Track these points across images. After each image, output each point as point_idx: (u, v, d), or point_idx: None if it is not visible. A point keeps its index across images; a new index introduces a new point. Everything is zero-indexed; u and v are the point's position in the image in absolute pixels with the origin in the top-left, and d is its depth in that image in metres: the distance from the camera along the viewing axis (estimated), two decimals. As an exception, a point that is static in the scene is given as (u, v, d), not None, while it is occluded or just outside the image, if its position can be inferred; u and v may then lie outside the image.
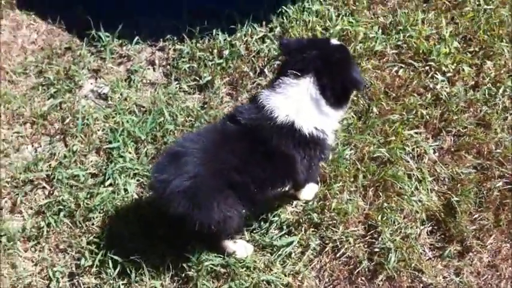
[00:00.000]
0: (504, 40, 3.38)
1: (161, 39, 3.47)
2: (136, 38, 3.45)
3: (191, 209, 2.41)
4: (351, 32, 3.39)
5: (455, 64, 3.33)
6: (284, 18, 3.48)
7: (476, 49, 3.39)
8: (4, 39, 3.51)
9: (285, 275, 2.75)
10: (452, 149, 3.09)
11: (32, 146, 3.15)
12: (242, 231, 2.78)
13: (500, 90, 3.22)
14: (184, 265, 2.73)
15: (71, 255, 2.84)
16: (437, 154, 3.11)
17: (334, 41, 2.64)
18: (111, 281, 2.74)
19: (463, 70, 3.32)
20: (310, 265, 2.82)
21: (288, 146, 2.45)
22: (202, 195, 2.40)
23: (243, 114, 2.50)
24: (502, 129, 3.12)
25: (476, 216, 2.88)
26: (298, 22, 3.40)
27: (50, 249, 2.87)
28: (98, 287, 2.76)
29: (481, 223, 2.86)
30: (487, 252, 2.84)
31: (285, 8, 3.48)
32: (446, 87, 3.25)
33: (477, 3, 3.54)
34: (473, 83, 3.30)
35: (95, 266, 2.76)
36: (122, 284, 2.74)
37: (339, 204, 2.86)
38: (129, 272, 2.72)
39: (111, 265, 2.74)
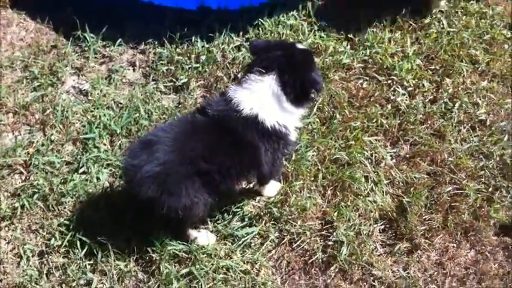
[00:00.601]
0: (464, 60, 3.64)
1: (143, 43, 3.69)
2: (120, 40, 3.67)
3: (160, 193, 2.61)
4: (321, 45, 3.64)
5: (416, 80, 3.59)
6: (260, 29, 3.73)
7: (437, 67, 3.66)
8: (-6, 32, 3.71)
9: (244, 263, 2.92)
10: (408, 156, 3.32)
11: (13, 133, 3.34)
12: (206, 219, 2.97)
13: (457, 105, 3.48)
14: (149, 249, 2.89)
15: (42, 235, 3.00)
16: (394, 160, 3.31)
17: (300, 45, 2.88)
18: (79, 261, 2.90)
19: (423, 85, 3.57)
20: (268, 255, 2.99)
21: (253, 136, 2.67)
22: (170, 181, 2.60)
23: (211, 106, 2.73)
24: (455, 140, 3.36)
25: (426, 217, 3.08)
26: (273, 34, 3.66)
27: (22, 229, 3.02)
28: (66, 266, 2.89)
29: (430, 224, 3.07)
30: (434, 251, 3.04)
31: (261, 20, 3.74)
32: (406, 100, 3.50)
33: (441, 26, 3.81)
34: (431, 97, 3.54)
35: (63, 246, 2.93)
36: (88, 263, 2.90)
37: (298, 201, 3.06)
38: (95, 252, 2.88)
39: (79, 246, 2.91)
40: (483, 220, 3.10)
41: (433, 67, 3.66)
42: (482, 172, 3.27)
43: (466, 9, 3.92)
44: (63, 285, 2.89)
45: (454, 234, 3.09)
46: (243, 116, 2.65)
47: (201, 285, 2.86)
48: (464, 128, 3.42)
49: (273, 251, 3.02)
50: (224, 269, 2.93)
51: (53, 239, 2.96)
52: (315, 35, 3.73)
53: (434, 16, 3.91)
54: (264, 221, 3.07)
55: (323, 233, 3.06)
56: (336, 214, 3.07)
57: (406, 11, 3.85)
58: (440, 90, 3.57)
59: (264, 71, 2.68)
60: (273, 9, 3.82)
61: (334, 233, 3.02)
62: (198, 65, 3.57)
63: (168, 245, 2.90)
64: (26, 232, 3.03)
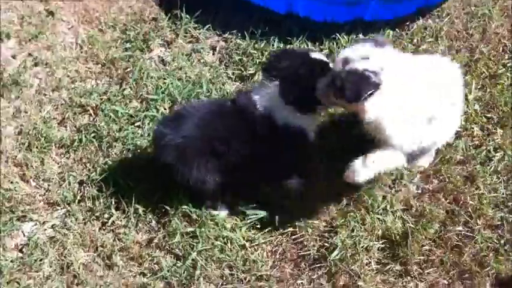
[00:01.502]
0: None
1: (228, 32, 4.12)
2: (209, 25, 4.13)
3: (176, 162, 3.02)
4: None
5: (468, 123, 3.67)
6: (335, 43, 4.02)
7: (494, 116, 3.71)
8: (109, -2, 4.35)
9: (243, 238, 3.24)
10: (432, 190, 3.43)
11: (95, 81, 3.91)
12: (217, 197, 3.30)
13: (499, 155, 3.52)
14: (167, 203, 3.29)
15: (88, 168, 3.52)
16: (419, 191, 3.45)
17: (316, 54, 3.14)
18: (108, 197, 3.37)
19: (473, 129, 3.64)
20: (268, 239, 3.28)
21: (267, 132, 3.00)
22: (188, 153, 3.02)
23: (239, 98, 3.10)
24: (484, 187, 3.41)
25: (426, 247, 3.19)
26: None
27: (73, 159, 3.56)
28: (96, 198, 3.38)
29: (428, 255, 3.18)
30: (424, 282, 3.15)
31: (339, 35, 4.02)
32: (451, 139, 3.59)
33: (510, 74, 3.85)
34: (477, 142, 3.61)
35: (100, 180, 3.42)
36: (114, 201, 3.37)
37: (311, 202, 3.31)
38: (123, 193, 3.35)
39: (111, 184, 3.38)
40: (482, 267, 3.12)
41: (489, 115, 3.71)
42: (499, 223, 3.28)
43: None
44: (89, 212, 3.34)
45: (449, 272, 3.16)
46: (259, 112, 2.98)
47: (199, 245, 3.16)
48: (498, 178, 3.44)
49: (273, 237, 3.27)
50: (225, 239, 3.23)
51: (94, 173, 3.44)
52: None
53: (509, 68, 3.90)
54: (274, 209, 3.31)
55: (324, 234, 3.26)
56: (342, 221, 3.24)
57: (482, 57, 3.91)
58: (488, 139, 3.59)
59: (272, 78, 3.01)
60: (353, 28, 4.04)
61: (334, 238, 3.20)
62: (268, 61, 3.89)
63: (183, 204, 3.27)
64: (76, 162, 3.54)
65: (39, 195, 3.40)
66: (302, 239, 3.28)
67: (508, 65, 3.94)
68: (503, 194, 3.40)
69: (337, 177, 3.14)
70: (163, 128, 3.07)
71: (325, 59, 3.11)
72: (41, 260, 3.18)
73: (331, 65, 3.04)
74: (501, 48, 4.03)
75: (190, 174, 3.03)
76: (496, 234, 3.29)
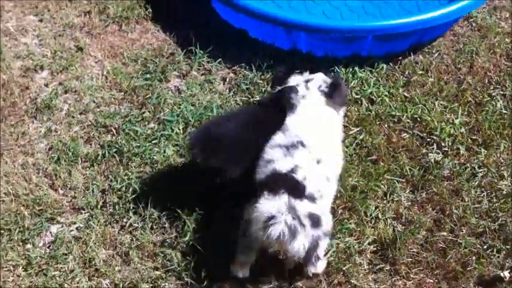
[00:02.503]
0: (506, 139, 4.12)
1: (237, 65, 4.65)
2: (220, 59, 4.67)
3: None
4: (378, 95, 4.35)
5: (454, 144, 4.12)
6: (333, 75, 4.53)
7: (479, 138, 4.15)
8: (133, 36, 4.95)
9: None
10: (421, 201, 3.84)
11: (118, 106, 4.43)
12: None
13: (483, 172, 3.94)
14: (180, 211, 3.74)
15: (109, 178, 3.98)
16: (409, 203, 3.87)
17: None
18: (127, 203, 3.83)
19: (459, 149, 4.08)
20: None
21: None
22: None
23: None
24: (469, 199, 3.82)
25: (414, 250, 3.59)
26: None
27: (97, 171, 4.03)
28: (117, 204, 3.83)
29: (416, 257, 3.56)
30: (412, 281, 3.52)
31: (337, 68, 4.55)
32: (438, 157, 4.04)
33: (497, 106, 4.32)
34: (463, 161, 4.04)
35: (120, 189, 3.88)
36: (133, 207, 3.81)
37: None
38: (140, 200, 3.80)
39: (130, 191, 3.85)
40: (465, 269, 3.49)
41: (474, 137, 4.14)
42: (482, 230, 3.66)
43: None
44: (110, 216, 3.79)
45: (435, 273, 3.52)
46: None
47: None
48: (482, 192, 3.84)
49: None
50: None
51: (115, 182, 3.90)
52: (378, 88, 4.40)
53: (494, 97, 4.37)
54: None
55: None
56: (338, 228, 3.65)
57: (469, 88, 4.41)
58: (473, 158, 4.02)
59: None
60: (350, 61, 4.57)
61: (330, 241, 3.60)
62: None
63: (196, 212, 3.71)
64: (99, 174, 4.00)
65: (66, 201, 3.84)
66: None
67: (493, 94, 4.37)
68: (486, 205, 3.75)
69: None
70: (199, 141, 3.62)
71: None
72: (66, 255, 3.58)
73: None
74: (487, 80, 4.51)
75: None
76: (479, 241, 3.61)
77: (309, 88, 3.80)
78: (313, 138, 3.45)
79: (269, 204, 3.11)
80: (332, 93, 3.75)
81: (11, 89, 4.42)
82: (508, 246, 3.56)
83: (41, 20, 5.04)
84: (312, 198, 3.22)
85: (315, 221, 3.15)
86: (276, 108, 3.64)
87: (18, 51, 4.75)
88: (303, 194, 3.18)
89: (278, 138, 3.51)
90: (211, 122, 3.82)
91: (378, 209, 3.73)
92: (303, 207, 3.14)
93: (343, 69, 4.51)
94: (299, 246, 3.12)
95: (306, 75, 3.93)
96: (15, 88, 4.44)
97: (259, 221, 3.09)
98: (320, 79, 3.84)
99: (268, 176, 3.29)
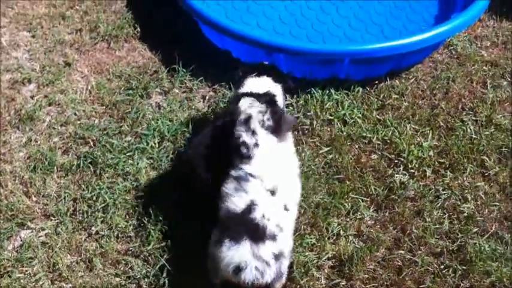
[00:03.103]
0: (473, 163, 4.21)
1: (218, 84, 4.83)
2: (202, 78, 4.84)
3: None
4: (352, 117, 4.48)
5: (421, 166, 4.22)
6: (310, 96, 4.69)
7: (446, 161, 4.25)
8: (121, 54, 5.15)
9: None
10: (383, 220, 3.94)
11: (98, 119, 4.61)
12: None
13: (446, 194, 4.04)
14: (145, 219, 3.88)
15: (82, 187, 4.14)
16: (372, 222, 3.97)
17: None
18: (96, 212, 3.98)
19: (425, 172, 4.18)
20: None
21: None
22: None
23: None
24: (430, 220, 3.91)
25: (370, 267, 3.68)
26: (318, 102, 4.63)
27: (71, 181, 4.19)
28: (86, 212, 3.99)
29: (372, 274, 3.65)
30: (367, 297, 3.59)
31: (313, 89, 4.70)
32: (403, 178, 4.14)
33: (468, 131, 4.42)
34: (428, 183, 4.14)
35: (91, 198, 4.04)
36: (100, 216, 3.96)
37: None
38: (109, 207, 3.95)
39: (100, 201, 4.01)
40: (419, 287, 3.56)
41: (442, 160, 4.24)
42: (440, 251, 3.74)
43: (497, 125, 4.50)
44: (79, 224, 3.94)
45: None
46: None
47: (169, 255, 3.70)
48: (444, 214, 3.93)
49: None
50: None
51: (87, 191, 4.06)
52: (352, 110, 4.53)
53: (466, 123, 4.47)
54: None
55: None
56: (297, 243, 3.75)
57: (441, 113, 4.55)
58: (438, 180, 4.12)
59: None
60: (326, 84, 4.72)
61: (289, 255, 3.69)
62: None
63: (161, 223, 3.84)
64: (72, 183, 4.16)
65: (38, 208, 3.99)
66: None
67: (465, 119, 4.48)
68: (446, 226, 3.83)
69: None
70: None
71: None
72: (31, 259, 3.71)
73: None
74: (460, 106, 4.63)
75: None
76: (437, 260, 3.69)
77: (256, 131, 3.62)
78: (264, 167, 3.41)
79: (233, 253, 3.17)
80: (277, 128, 3.64)
81: (-3, 100, 4.59)
82: (464, 267, 3.61)
83: (33, 36, 5.26)
84: (273, 237, 3.21)
85: (278, 256, 3.26)
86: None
87: (8, 65, 4.96)
88: (264, 236, 3.18)
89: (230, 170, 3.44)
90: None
91: (340, 226, 3.80)
92: (267, 250, 3.18)
93: (319, 90, 4.62)
94: (266, 280, 3.23)
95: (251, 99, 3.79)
96: (1, 99, 4.63)
97: (226, 269, 3.19)
98: (259, 108, 3.70)
99: (227, 217, 3.30)
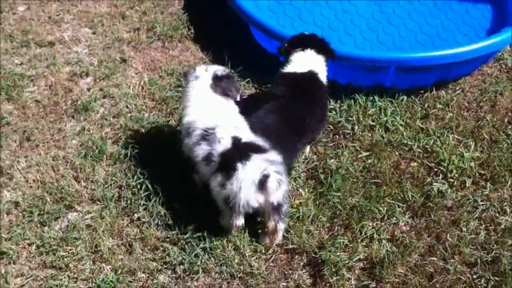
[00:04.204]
0: None
1: (264, 86, 4.96)
2: (249, 79, 4.99)
3: None
4: (393, 124, 4.52)
5: (461, 176, 4.21)
6: (353, 101, 4.75)
7: (487, 173, 4.23)
8: (174, 53, 5.35)
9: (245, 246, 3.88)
10: (418, 227, 3.96)
11: (148, 113, 4.80)
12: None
13: (485, 205, 4.02)
14: (186, 210, 4.02)
15: (128, 176, 4.33)
16: (407, 228, 4.00)
17: None
18: (139, 199, 4.15)
19: (465, 182, 4.18)
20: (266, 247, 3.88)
21: None
22: None
23: None
24: (467, 230, 3.90)
25: (402, 272, 3.70)
26: (361, 107, 4.70)
27: (118, 169, 4.38)
28: (130, 199, 4.16)
29: (402, 279, 3.67)
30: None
31: (357, 95, 4.76)
32: (443, 187, 4.15)
33: (509, 143, 4.38)
34: (467, 193, 4.13)
35: (134, 186, 4.22)
36: (143, 203, 4.13)
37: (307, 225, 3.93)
38: (150, 197, 4.11)
39: (143, 189, 4.17)
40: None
41: (483, 172, 4.21)
42: (474, 261, 3.72)
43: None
44: (122, 209, 4.11)
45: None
46: None
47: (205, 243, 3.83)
48: (481, 224, 3.91)
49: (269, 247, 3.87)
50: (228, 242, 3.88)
51: (132, 179, 4.24)
52: (395, 117, 4.57)
53: (511, 136, 4.44)
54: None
55: (312, 255, 3.82)
56: (329, 243, 3.82)
57: (486, 125, 4.53)
58: (479, 191, 4.10)
59: None
60: (370, 91, 4.77)
61: (321, 253, 3.77)
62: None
63: (198, 212, 3.98)
64: (119, 171, 4.35)
65: (86, 193, 4.19)
66: (294, 251, 3.79)
67: (510, 133, 4.44)
68: (482, 237, 3.81)
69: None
70: None
71: None
72: (76, 239, 3.89)
73: None
74: (506, 120, 4.59)
75: None
76: (470, 270, 3.68)
77: None
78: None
79: (252, 167, 3.54)
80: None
81: (56, 90, 4.86)
82: (497, 278, 3.58)
83: (94, 33, 5.52)
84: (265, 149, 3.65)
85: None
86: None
87: (69, 58, 5.23)
88: (263, 148, 3.63)
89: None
90: None
91: (374, 229, 3.83)
92: (270, 157, 3.60)
93: (363, 97, 4.68)
94: (283, 191, 3.63)
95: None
96: (60, 90, 4.88)
97: (250, 182, 3.53)
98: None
99: (227, 150, 3.68)
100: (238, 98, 3.98)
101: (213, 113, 3.81)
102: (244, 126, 3.78)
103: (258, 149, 3.60)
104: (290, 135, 3.93)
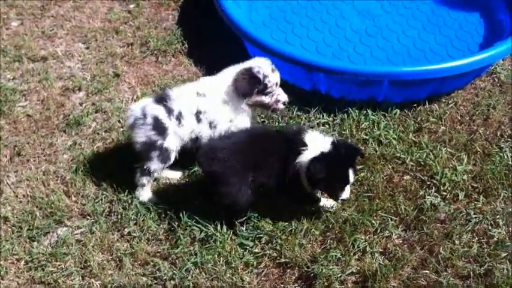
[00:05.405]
0: (506, 189, 4.17)
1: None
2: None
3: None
4: (387, 137, 4.52)
5: (454, 189, 4.20)
6: (346, 115, 4.75)
7: (480, 186, 4.22)
8: (167, 68, 5.37)
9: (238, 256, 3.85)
10: (411, 240, 3.94)
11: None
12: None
13: (478, 218, 4.00)
14: (176, 224, 4.00)
15: (119, 190, 4.31)
16: (400, 241, 3.98)
17: None
18: (129, 215, 4.13)
19: (458, 196, 4.17)
20: (258, 261, 3.85)
21: None
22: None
23: None
24: (459, 243, 3.88)
25: (395, 285, 3.68)
26: (354, 121, 4.68)
27: (110, 184, 4.36)
28: (120, 214, 4.14)
29: None
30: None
31: (350, 109, 4.77)
32: (435, 200, 4.14)
33: (505, 157, 4.39)
34: (460, 206, 4.12)
35: (125, 201, 4.20)
36: (133, 218, 4.11)
37: (299, 239, 3.92)
38: (141, 212, 4.09)
39: (134, 205, 4.15)
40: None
41: (476, 185, 4.20)
42: (467, 274, 3.70)
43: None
44: (112, 224, 4.09)
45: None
46: None
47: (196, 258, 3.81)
48: (473, 237, 3.89)
49: (261, 261, 3.85)
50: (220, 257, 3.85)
51: (123, 194, 4.22)
52: (388, 131, 4.57)
53: (504, 149, 4.44)
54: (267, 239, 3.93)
55: (304, 269, 3.79)
56: (322, 256, 3.80)
57: (479, 138, 4.53)
58: (471, 204, 4.09)
59: None
60: (364, 105, 4.77)
61: (314, 267, 3.75)
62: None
63: (190, 228, 3.96)
64: (110, 185, 4.33)
65: (76, 207, 4.17)
66: (286, 264, 3.77)
67: (502, 146, 4.44)
68: (475, 249, 3.79)
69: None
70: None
71: None
72: (65, 254, 3.87)
73: None
74: (499, 133, 4.58)
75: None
76: (463, 283, 3.66)
77: None
78: None
79: None
80: None
81: (48, 105, 4.88)
82: (491, 291, 3.55)
83: (87, 48, 5.55)
84: None
85: None
86: None
87: (61, 73, 5.25)
88: None
89: None
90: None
91: (366, 242, 3.81)
92: None
93: (356, 110, 4.67)
94: None
95: None
96: (52, 104, 4.89)
97: None
98: None
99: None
100: None
101: None
102: None
103: None
104: None
